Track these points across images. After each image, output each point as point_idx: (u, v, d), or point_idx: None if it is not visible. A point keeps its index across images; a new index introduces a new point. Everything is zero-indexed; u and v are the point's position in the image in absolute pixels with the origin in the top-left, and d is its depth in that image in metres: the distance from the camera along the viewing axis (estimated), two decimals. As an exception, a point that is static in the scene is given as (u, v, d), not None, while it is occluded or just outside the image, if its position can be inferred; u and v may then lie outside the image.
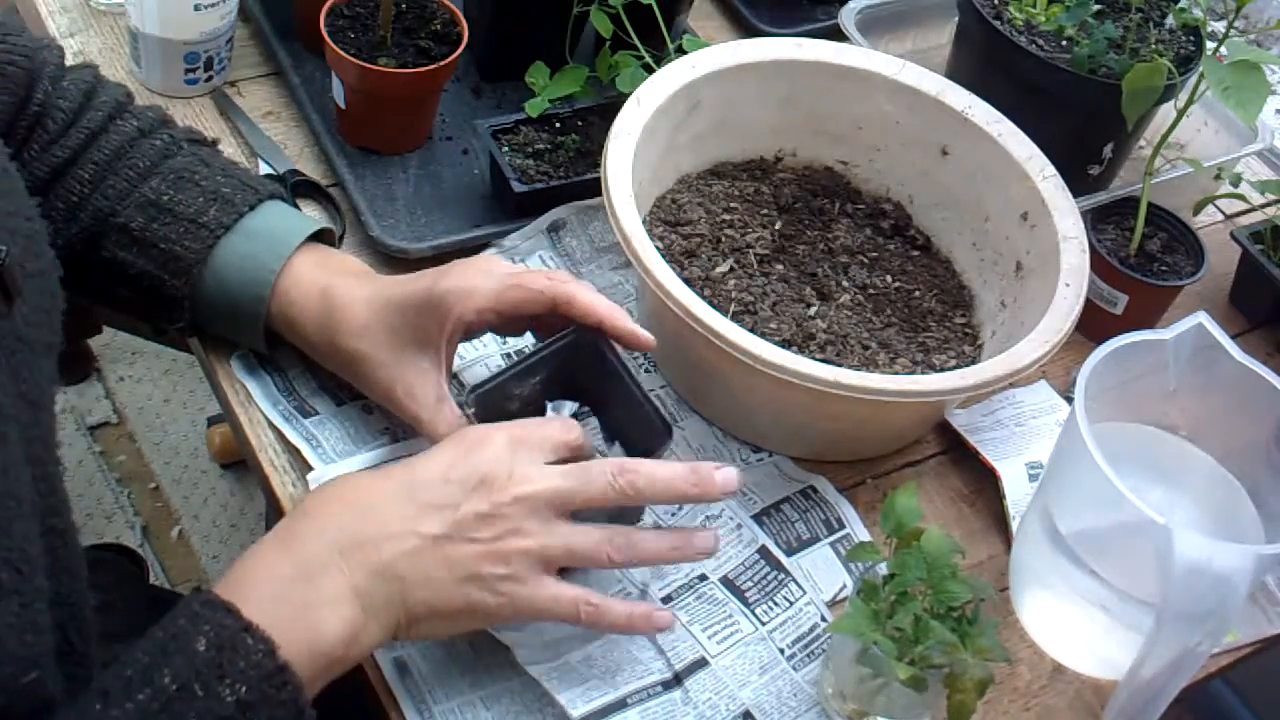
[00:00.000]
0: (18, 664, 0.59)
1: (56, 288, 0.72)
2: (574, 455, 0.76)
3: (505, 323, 0.84)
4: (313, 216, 1.02)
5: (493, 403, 0.81)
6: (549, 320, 0.83)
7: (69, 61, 0.91)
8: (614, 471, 0.74)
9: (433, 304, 0.81)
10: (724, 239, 1.00)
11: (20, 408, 0.63)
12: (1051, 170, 0.99)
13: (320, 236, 0.89)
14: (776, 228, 1.03)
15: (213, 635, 0.64)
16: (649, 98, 0.96)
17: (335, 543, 0.70)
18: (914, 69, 1.04)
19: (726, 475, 0.77)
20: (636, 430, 0.83)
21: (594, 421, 0.87)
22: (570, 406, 0.84)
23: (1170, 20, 1.10)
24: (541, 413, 0.84)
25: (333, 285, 0.85)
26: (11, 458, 0.61)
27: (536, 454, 0.75)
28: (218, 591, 0.67)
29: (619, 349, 0.83)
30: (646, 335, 0.82)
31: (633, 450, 0.83)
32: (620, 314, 0.82)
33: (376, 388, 0.84)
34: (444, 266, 0.84)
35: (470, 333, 0.85)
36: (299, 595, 0.68)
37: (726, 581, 0.86)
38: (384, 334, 0.82)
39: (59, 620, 0.65)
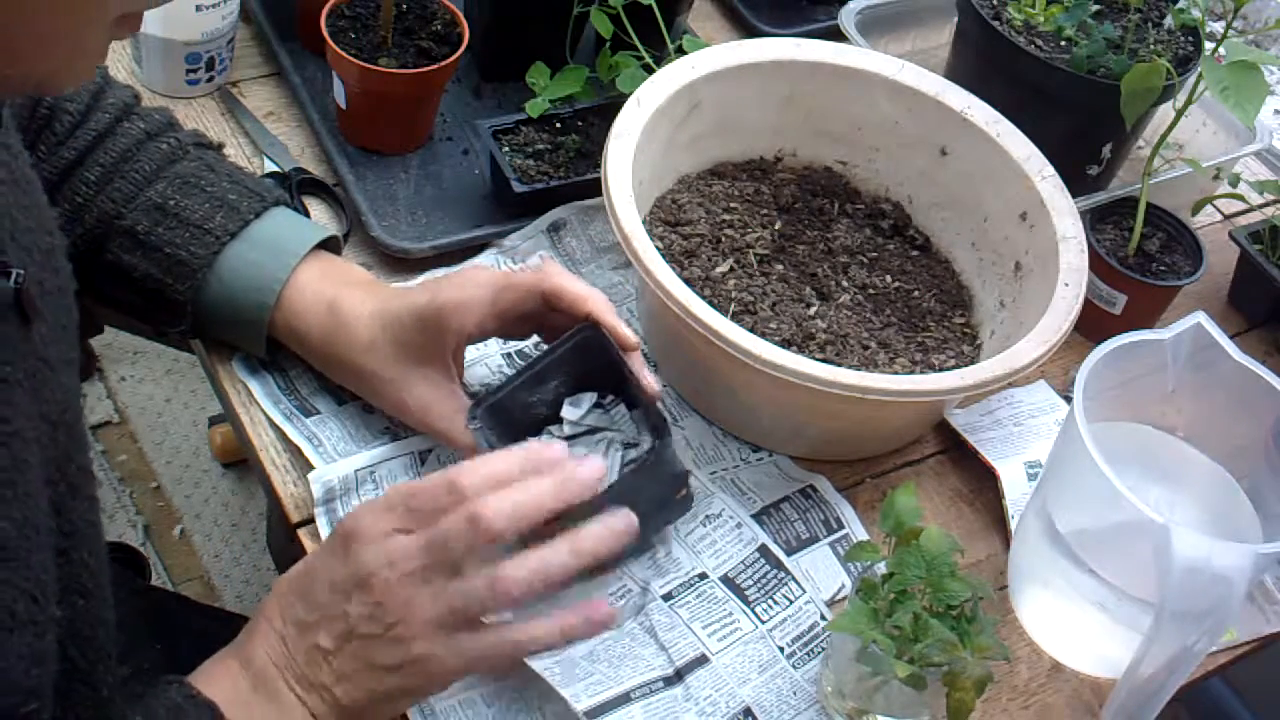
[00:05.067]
0: (21, 695, 0.59)
1: (73, 303, 0.72)
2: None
3: (507, 327, 0.84)
4: (318, 215, 1.03)
5: (505, 414, 0.81)
6: (552, 322, 0.83)
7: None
8: (467, 519, 0.68)
9: (430, 320, 0.81)
10: (724, 239, 1.01)
11: (41, 429, 0.63)
12: (1050, 170, 0.99)
13: (325, 243, 0.89)
14: (776, 228, 1.04)
15: None
16: (649, 98, 0.96)
17: (272, 659, 0.71)
18: (913, 69, 1.04)
19: (590, 469, 0.70)
20: (650, 419, 0.83)
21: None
22: (589, 398, 0.84)
23: (1169, 21, 1.10)
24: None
25: (338, 298, 0.85)
26: (32, 484, 0.61)
27: (416, 530, 0.70)
28: (194, 684, 0.69)
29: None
30: (629, 335, 0.81)
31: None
32: (608, 309, 0.82)
33: (387, 402, 0.85)
34: (437, 279, 0.84)
35: (473, 340, 0.85)
36: (260, 710, 0.70)
37: (726, 580, 0.87)
38: (390, 350, 0.83)
39: (59, 638, 0.66)
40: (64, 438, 0.66)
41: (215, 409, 1.93)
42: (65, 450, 0.66)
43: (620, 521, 0.71)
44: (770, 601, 0.86)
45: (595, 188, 0.92)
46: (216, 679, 0.71)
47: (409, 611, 0.69)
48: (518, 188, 1.01)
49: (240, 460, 1.90)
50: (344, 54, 1.00)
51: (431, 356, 0.83)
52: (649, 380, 0.81)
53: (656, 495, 0.82)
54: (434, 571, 0.69)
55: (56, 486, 0.65)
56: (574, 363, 0.82)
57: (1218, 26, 1.06)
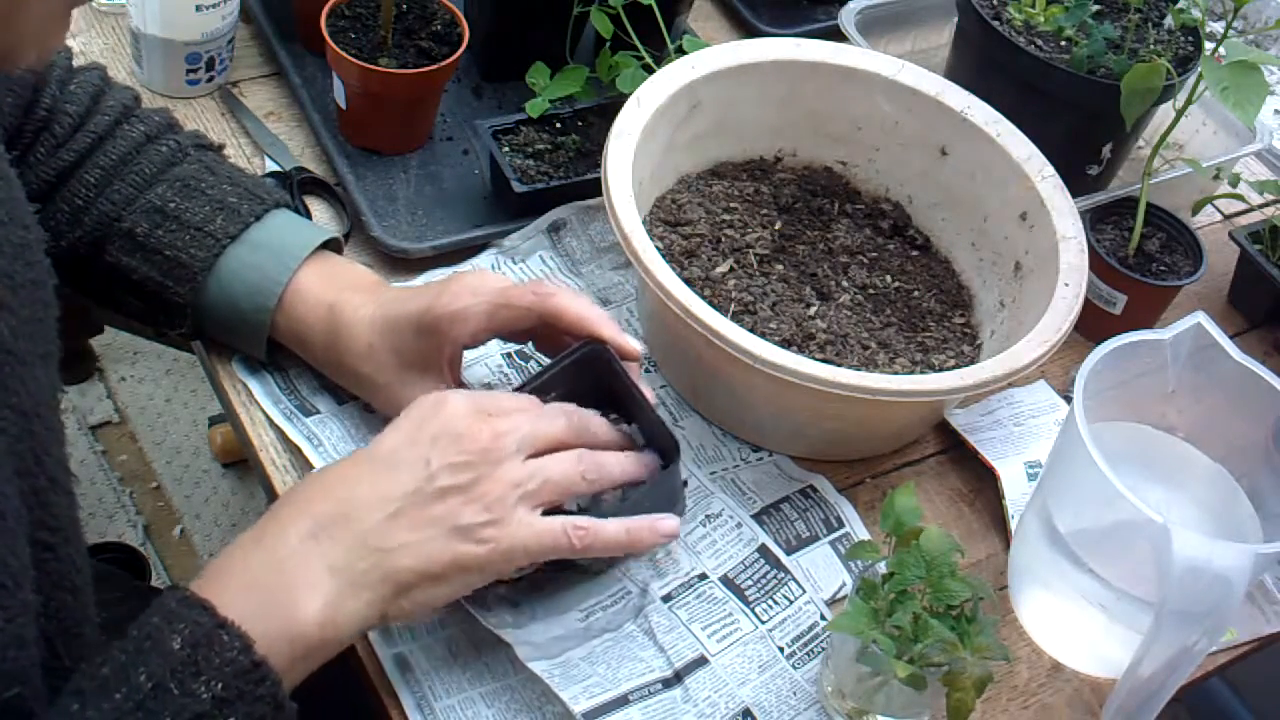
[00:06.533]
0: (2, 680, 0.59)
1: (51, 297, 0.71)
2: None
3: (503, 337, 0.85)
4: (319, 215, 1.03)
5: None
6: (547, 332, 0.83)
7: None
8: (569, 410, 0.78)
9: (428, 329, 0.82)
10: (724, 239, 1.01)
11: (9, 420, 0.63)
12: (1050, 170, 0.99)
13: (326, 243, 0.89)
14: (776, 228, 1.04)
15: (187, 633, 0.64)
16: (649, 98, 0.96)
17: (308, 529, 0.70)
18: (913, 69, 1.04)
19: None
20: (656, 438, 0.83)
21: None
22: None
23: (1169, 21, 1.10)
24: None
25: (339, 302, 0.85)
26: None
27: (495, 407, 0.76)
28: (193, 589, 0.67)
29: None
30: (633, 345, 0.82)
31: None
32: (608, 323, 0.82)
33: (386, 407, 0.85)
34: (440, 283, 0.84)
35: (468, 348, 0.86)
36: (271, 582, 0.68)
37: (726, 580, 0.87)
38: (387, 358, 0.83)
39: (47, 634, 0.65)
40: (41, 430, 0.66)
41: (215, 409, 1.94)
42: (42, 442, 0.66)
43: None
44: (770, 601, 0.86)
45: (595, 188, 0.92)
46: (226, 569, 0.69)
47: (496, 467, 0.72)
48: (518, 188, 1.01)
49: (240, 460, 1.90)
50: (344, 54, 1.00)
51: (427, 364, 0.83)
52: (650, 394, 0.82)
53: (659, 508, 0.82)
54: (527, 441, 0.74)
55: (35, 479, 0.65)
56: (576, 377, 0.83)
57: (1218, 26, 1.06)
